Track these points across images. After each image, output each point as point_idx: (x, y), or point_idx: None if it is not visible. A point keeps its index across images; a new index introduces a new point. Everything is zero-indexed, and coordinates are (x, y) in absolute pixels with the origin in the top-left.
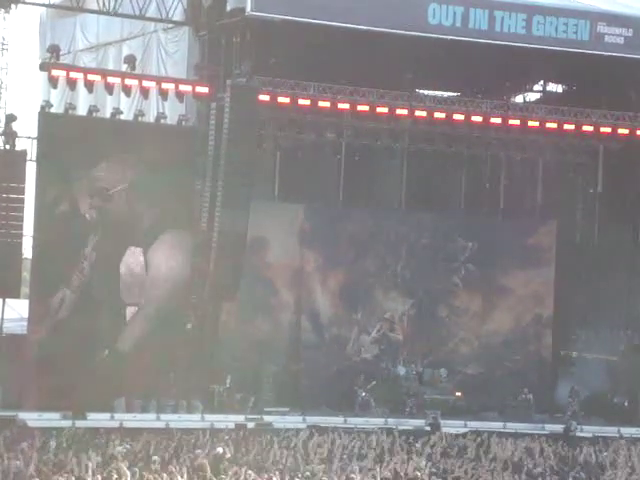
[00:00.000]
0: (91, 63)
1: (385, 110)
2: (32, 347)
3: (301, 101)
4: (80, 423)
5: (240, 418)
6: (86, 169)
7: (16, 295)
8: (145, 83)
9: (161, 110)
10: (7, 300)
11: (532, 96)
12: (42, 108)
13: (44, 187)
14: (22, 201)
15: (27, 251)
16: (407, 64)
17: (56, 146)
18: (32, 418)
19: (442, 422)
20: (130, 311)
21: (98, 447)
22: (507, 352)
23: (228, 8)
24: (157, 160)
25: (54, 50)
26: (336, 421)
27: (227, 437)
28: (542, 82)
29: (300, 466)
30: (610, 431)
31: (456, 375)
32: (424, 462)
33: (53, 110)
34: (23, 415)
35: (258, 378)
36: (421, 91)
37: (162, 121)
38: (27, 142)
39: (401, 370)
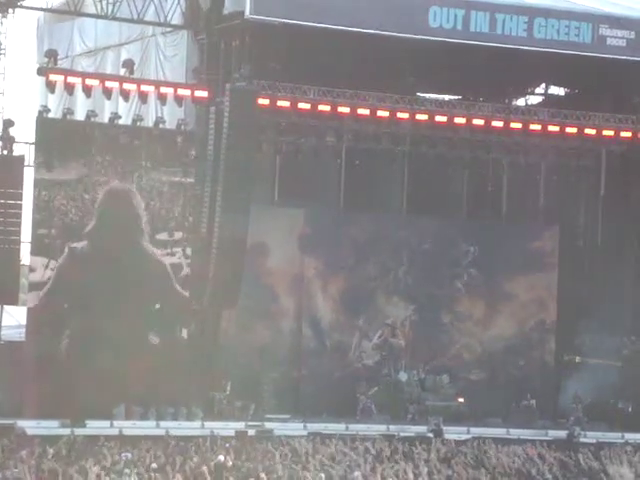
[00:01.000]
0: (89, 68)
1: (386, 114)
2: (30, 354)
3: (301, 105)
4: (79, 431)
5: (241, 425)
6: (84, 174)
7: (14, 302)
8: (144, 87)
9: (160, 114)
10: (5, 307)
11: (534, 99)
12: (40, 113)
13: (42, 192)
14: (20, 207)
15: (25, 257)
16: (408, 67)
17: (54, 151)
18: (31, 426)
19: (444, 428)
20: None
21: (97, 455)
22: (510, 358)
23: (225, 12)
24: (156, 165)
25: (52, 55)
26: (337, 428)
27: (227, 444)
28: (544, 85)
29: (301, 473)
30: (614, 437)
31: (459, 381)
32: (426, 469)
33: (51, 115)
34: (22, 423)
35: (259, 385)
36: (422, 94)
37: (161, 125)
38: (25, 147)
39: (403, 376)
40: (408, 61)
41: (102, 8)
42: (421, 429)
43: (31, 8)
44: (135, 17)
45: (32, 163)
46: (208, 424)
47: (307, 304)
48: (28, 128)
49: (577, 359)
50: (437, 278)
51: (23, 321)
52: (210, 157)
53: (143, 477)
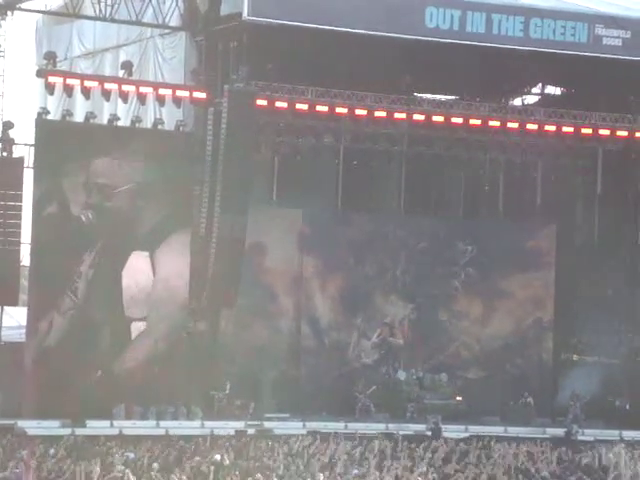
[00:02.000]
0: (88, 69)
1: (383, 114)
2: (31, 355)
3: (299, 106)
4: (79, 431)
5: (240, 424)
6: (83, 175)
7: (14, 303)
8: (142, 89)
9: (158, 116)
10: (5, 308)
11: (531, 99)
12: (39, 115)
13: (41, 194)
14: (20, 208)
15: (25, 258)
16: (405, 68)
17: (53, 153)
18: (31, 426)
19: (443, 427)
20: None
21: (98, 455)
22: (508, 356)
23: (222, 13)
24: (155, 166)
25: (51, 57)
26: (337, 427)
27: (227, 444)
28: (540, 85)
29: (301, 472)
30: (612, 435)
31: (457, 379)
32: (425, 467)
33: (50, 117)
34: (22, 423)
35: (258, 384)
36: (419, 95)
37: (159, 127)
38: (24, 149)
39: (401, 375)
40: (405, 61)
41: (100, 10)
42: (420, 427)
43: (30, 10)
44: (133, 19)
45: (32, 165)
46: (208, 423)
47: (306, 303)
48: (28, 130)
49: (574, 357)
50: (435, 277)
51: (23, 322)
52: (209, 158)
53: (143, 477)
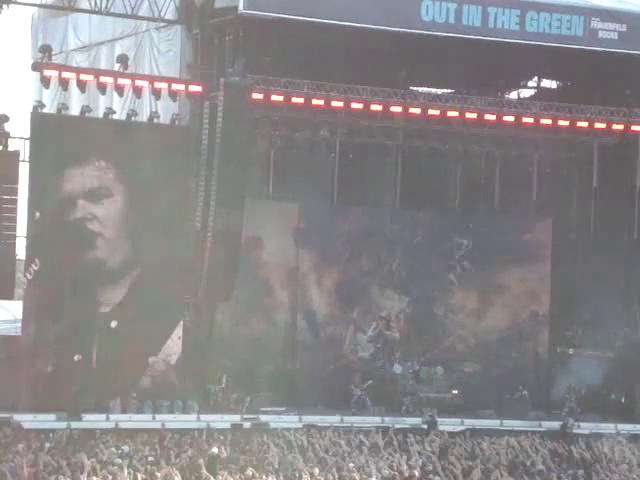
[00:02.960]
0: (83, 63)
1: (379, 108)
2: (26, 348)
3: (295, 99)
4: (75, 424)
5: (236, 418)
6: (79, 169)
7: (10, 296)
8: (138, 82)
9: (154, 109)
10: (1, 301)
11: (526, 92)
12: (34, 108)
13: (37, 188)
14: (15, 202)
15: (21, 252)
16: (401, 61)
17: (49, 146)
18: (27, 420)
19: (439, 420)
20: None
21: (94, 448)
22: (503, 349)
23: (217, 6)
24: (150, 160)
25: (46, 50)
26: (332, 420)
27: (223, 437)
28: (536, 78)
29: (296, 465)
30: (607, 428)
31: (452, 373)
32: (421, 460)
33: (46, 110)
34: (18, 417)
35: (254, 378)
36: (415, 88)
37: (155, 120)
38: (20, 143)
39: (397, 368)
40: (401, 55)
41: (96, 3)
42: (415, 421)
43: (25, 4)
44: (129, 12)
45: (27, 158)
46: (204, 417)
47: (302, 297)
48: (23, 123)
49: (570, 351)
50: (431, 271)
51: (19, 315)
52: (204, 151)
53: (139, 470)
